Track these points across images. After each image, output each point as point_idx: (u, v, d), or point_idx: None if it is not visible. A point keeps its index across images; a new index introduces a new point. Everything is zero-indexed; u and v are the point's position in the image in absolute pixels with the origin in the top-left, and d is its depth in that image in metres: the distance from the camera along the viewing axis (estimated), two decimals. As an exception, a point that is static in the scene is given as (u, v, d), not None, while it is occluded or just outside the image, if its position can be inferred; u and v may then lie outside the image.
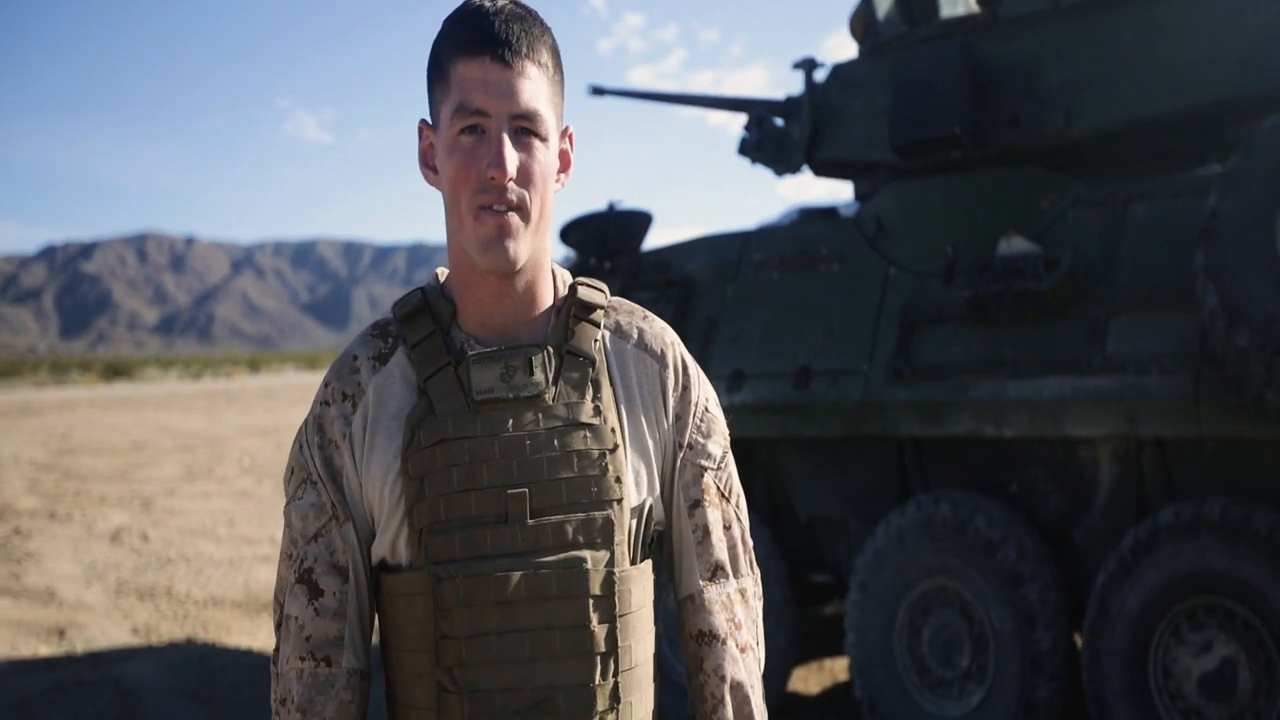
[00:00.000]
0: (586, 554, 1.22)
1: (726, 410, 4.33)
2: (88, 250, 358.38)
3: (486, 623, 1.21)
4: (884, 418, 3.97)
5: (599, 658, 1.22)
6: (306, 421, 1.30)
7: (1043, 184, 4.04)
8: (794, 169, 4.77)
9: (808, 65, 4.62)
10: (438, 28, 1.28)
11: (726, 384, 4.33)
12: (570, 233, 4.94)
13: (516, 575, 1.20)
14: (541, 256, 1.29)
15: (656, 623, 1.32)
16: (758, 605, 1.37)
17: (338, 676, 1.25)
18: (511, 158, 1.20)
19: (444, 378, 1.25)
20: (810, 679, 5.37)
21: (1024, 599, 3.76)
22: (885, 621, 4.07)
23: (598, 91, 5.56)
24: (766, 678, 4.35)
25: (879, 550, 4.07)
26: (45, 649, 6.21)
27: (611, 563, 1.23)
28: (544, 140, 1.24)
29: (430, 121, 1.30)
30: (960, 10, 4.44)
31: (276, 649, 1.28)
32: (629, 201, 5.53)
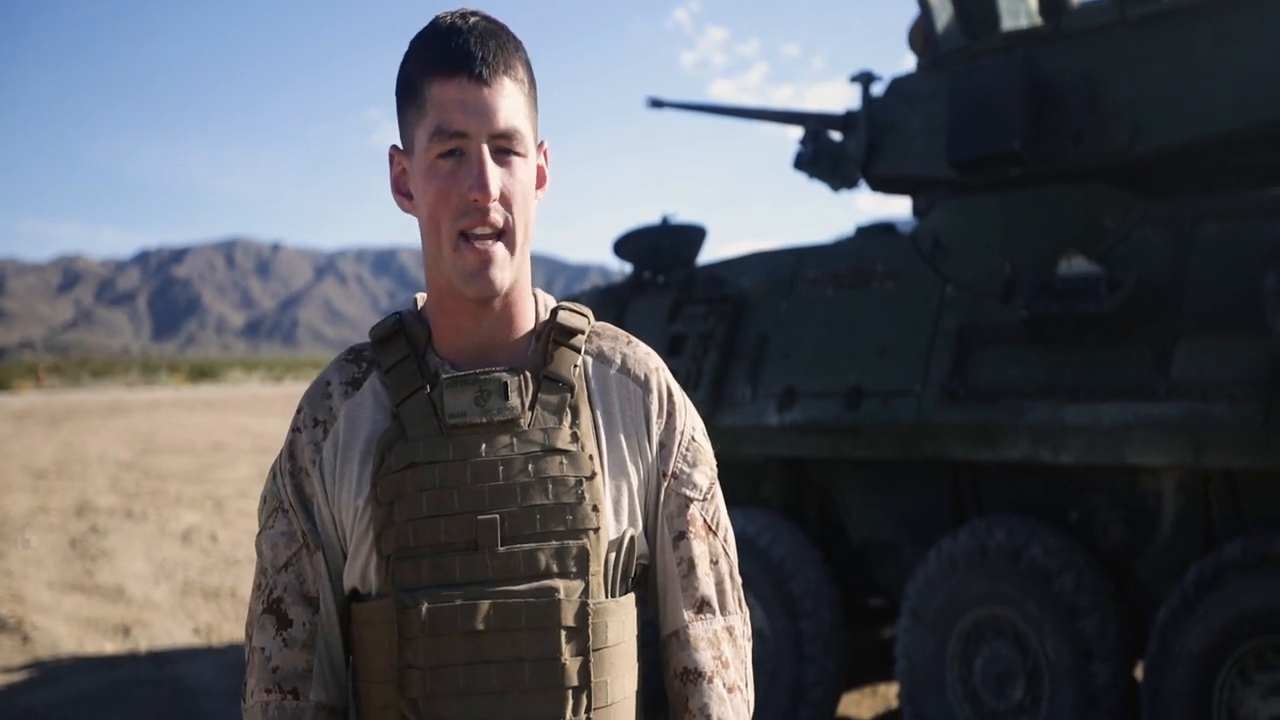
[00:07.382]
0: (560, 584, 1.17)
1: (777, 428, 4.29)
2: (179, 255, 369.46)
3: (452, 653, 1.16)
4: (937, 440, 3.87)
5: (570, 692, 1.17)
6: (281, 449, 1.27)
7: (1106, 202, 3.90)
8: (850, 184, 4.68)
9: (864, 79, 4.54)
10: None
11: (777, 401, 4.26)
12: (624, 246, 4.91)
13: (485, 604, 1.16)
14: (522, 279, 1.26)
15: (641, 660, 1.27)
16: (747, 645, 1.32)
17: (305, 710, 1.21)
18: (495, 179, 1.18)
19: (417, 401, 1.21)
20: (863, 704, 5.26)
21: (1081, 631, 3.63)
22: (936, 649, 3.96)
23: (656, 104, 5.53)
24: (816, 702, 4.26)
25: (931, 576, 3.96)
26: (110, 646, 6.36)
27: (586, 594, 1.18)
28: (524, 158, 1.22)
29: (402, 146, 1.26)
30: (1022, 22, 4.32)
31: (245, 684, 1.25)
32: (713, 217, 5.45)
